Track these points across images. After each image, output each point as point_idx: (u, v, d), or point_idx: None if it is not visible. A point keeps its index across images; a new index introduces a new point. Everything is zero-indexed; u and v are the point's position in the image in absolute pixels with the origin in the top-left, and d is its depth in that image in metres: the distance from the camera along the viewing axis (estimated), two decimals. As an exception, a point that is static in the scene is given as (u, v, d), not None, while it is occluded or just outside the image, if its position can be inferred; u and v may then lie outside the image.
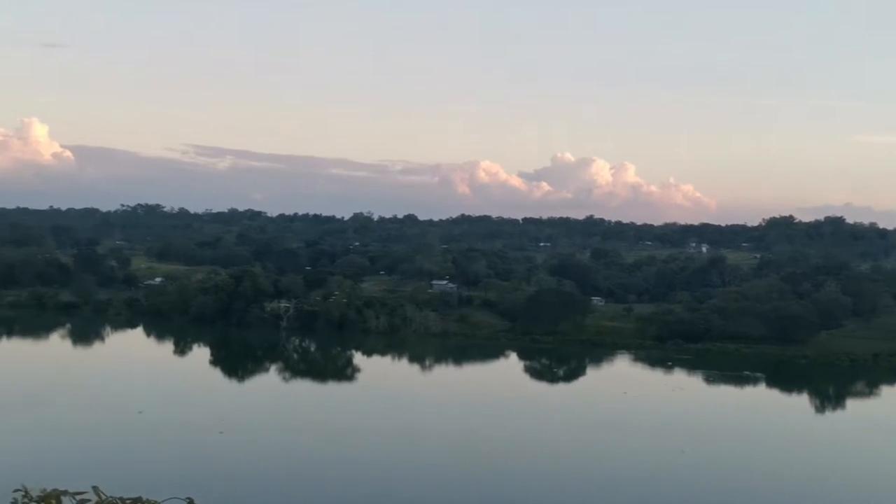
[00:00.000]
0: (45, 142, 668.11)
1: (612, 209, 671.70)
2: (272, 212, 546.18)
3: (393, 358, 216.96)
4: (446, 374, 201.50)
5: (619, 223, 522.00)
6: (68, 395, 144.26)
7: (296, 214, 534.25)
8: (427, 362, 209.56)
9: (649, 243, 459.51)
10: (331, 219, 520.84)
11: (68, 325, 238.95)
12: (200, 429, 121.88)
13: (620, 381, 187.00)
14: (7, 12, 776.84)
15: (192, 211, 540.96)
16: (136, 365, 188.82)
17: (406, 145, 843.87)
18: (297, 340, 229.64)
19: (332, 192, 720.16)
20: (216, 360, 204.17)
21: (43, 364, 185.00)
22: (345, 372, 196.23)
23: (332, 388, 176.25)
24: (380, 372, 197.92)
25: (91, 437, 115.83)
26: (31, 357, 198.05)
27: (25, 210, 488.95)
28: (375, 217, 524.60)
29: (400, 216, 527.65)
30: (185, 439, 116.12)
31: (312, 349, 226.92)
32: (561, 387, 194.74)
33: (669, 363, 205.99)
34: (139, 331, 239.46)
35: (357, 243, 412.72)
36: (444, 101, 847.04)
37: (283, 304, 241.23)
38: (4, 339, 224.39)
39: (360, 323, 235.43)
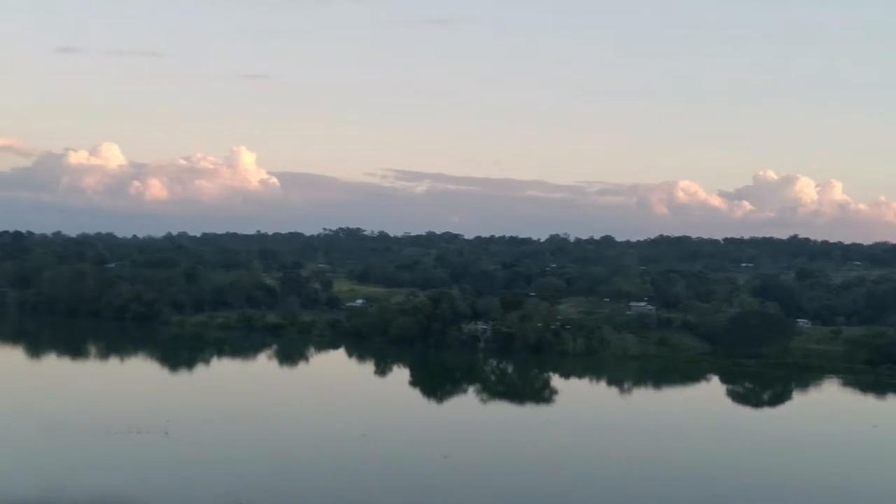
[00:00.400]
0: (252, 169, 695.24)
1: (817, 228, 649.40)
2: (469, 234, 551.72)
3: (591, 380, 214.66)
4: (646, 398, 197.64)
5: (825, 242, 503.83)
6: (283, 415, 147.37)
7: (492, 237, 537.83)
8: (626, 385, 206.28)
9: (858, 263, 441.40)
10: (527, 241, 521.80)
11: (275, 346, 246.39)
12: (424, 453, 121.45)
13: (846, 408, 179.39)
14: (216, 48, 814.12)
15: (391, 234, 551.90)
16: (343, 386, 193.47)
17: (602, 166, 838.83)
18: (494, 362, 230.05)
19: (528, 214, 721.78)
20: (416, 381, 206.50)
21: (256, 384, 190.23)
22: (542, 394, 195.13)
23: (531, 411, 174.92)
24: (577, 394, 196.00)
25: (320, 460, 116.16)
26: (243, 377, 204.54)
27: (234, 235, 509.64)
28: (572, 238, 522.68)
29: (597, 237, 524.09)
30: (412, 465, 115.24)
31: (510, 371, 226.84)
32: (778, 413, 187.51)
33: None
34: (341, 351, 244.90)
35: (553, 265, 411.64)
36: (641, 122, 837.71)
37: (481, 325, 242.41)
38: (215, 359, 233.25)
39: (556, 345, 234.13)
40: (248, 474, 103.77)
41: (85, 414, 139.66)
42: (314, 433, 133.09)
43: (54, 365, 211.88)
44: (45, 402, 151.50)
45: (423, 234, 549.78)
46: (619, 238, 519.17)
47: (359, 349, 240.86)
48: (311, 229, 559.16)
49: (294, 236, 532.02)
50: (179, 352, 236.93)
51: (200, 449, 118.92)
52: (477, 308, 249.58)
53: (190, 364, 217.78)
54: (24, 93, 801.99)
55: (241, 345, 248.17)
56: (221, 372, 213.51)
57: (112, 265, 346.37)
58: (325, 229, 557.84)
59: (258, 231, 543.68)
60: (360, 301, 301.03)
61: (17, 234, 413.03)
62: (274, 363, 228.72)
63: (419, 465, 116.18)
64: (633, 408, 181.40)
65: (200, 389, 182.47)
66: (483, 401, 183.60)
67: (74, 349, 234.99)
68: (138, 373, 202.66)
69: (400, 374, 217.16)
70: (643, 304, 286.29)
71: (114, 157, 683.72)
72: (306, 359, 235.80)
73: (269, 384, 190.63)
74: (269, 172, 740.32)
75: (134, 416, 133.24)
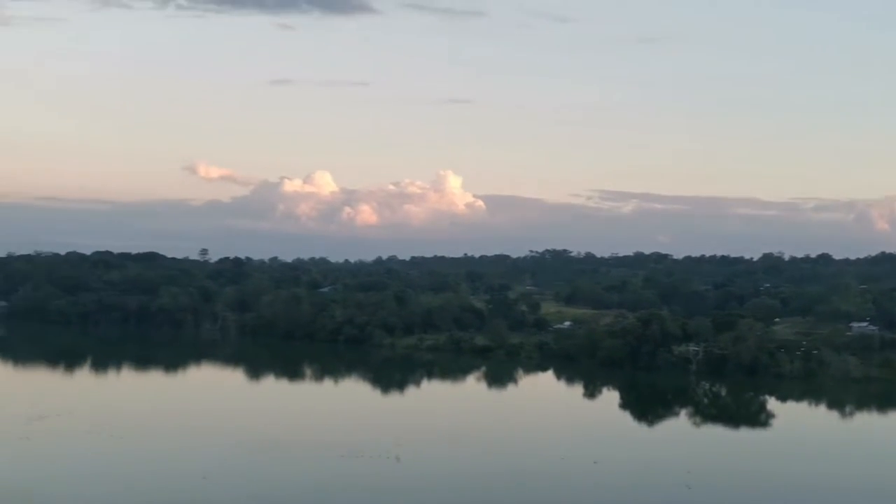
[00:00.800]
0: (458, 193, 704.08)
1: None
2: (678, 254, 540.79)
3: (810, 404, 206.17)
4: (870, 423, 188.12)
5: None
6: (503, 439, 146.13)
7: (702, 256, 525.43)
8: (847, 409, 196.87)
9: None
10: (739, 260, 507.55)
11: (483, 368, 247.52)
12: (663, 480, 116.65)
13: None
14: (421, 75, 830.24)
15: (598, 255, 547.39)
16: (557, 409, 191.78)
17: (817, 182, 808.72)
18: (706, 384, 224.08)
19: (739, 232, 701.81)
20: (626, 404, 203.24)
21: (470, 407, 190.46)
22: (758, 418, 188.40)
23: (747, 435, 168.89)
24: (796, 419, 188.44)
25: (558, 487, 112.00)
26: (456, 400, 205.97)
27: (442, 258, 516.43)
28: (786, 257, 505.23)
29: (813, 255, 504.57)
30: (656, 495, 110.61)
31: (723, 394, 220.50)
32: None
33: None
34: (549, 374, 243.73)
35: (767, 284, 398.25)
36: (856, 136, 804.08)
37: (692, 347, 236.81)
38: (426, 381, 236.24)
39: (772, 367, 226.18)
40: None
41: (311, 436, 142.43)
42: (540, 458, 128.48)
43: (273, 387, 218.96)
44: (266, 423, 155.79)
45: (631, 254, 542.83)
46: (837, 256, 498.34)
47: (567, 371, 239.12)
48: (517, 251, 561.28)
49: (500, 259, 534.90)
50: (391, 374, 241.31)
51: (435, 474, 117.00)
52: (688, 329, 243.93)
53: (401, 386, 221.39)
54: (241, 125, 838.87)
55: (450, 367, 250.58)
56: (433, 394, 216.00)
57: (325, 289, 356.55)
58: (531, 251, 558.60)
59: (465, 254, 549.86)
60: (567, 323, 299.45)
61: (237, 261, 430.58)
62: (483, 385, 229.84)
63: (663, 494, 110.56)
64: (857, 433, 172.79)
65: (417, 412, 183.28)
66: (696, 424, 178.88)
67: (291, 371, 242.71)
68: (353, 395, 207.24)
69: (609, 397, 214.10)
70: (864, 324, 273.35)
71: (326, 184, 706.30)
72: (515, 381, 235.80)
73: (482, 407, 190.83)
74: (474, 196, 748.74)
75: (360, 439, 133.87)
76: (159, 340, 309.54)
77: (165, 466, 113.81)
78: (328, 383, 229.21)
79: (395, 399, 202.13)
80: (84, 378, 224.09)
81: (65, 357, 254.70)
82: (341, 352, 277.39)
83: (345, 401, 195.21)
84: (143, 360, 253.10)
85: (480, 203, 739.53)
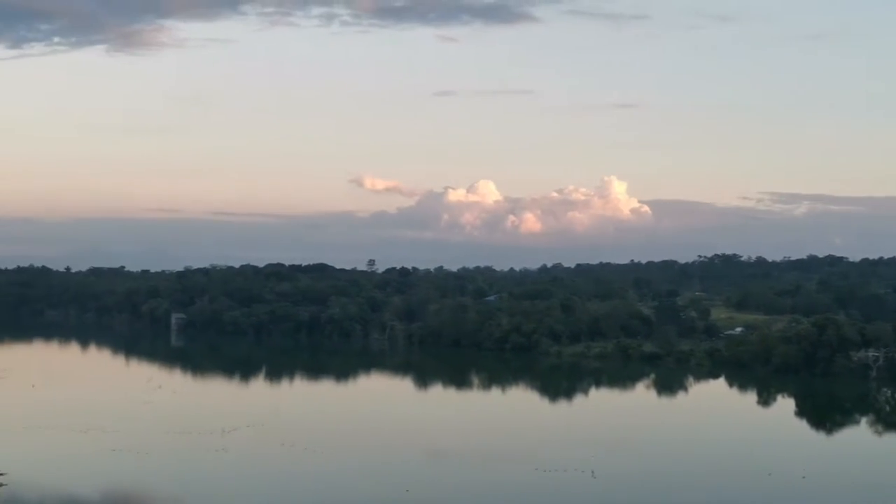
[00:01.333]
0: (623, 198, 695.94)
1: None
2: (854, 256, 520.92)
3: None
4: None
5: None
6: (692, 450, 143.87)
7: (880, 258, 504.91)
8: None
9: None
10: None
11: (652, 376, 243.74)
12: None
13: None
14: (580, 83, 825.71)
15: (769, 259, 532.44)
16: (735, 417, 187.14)
17: None
18: (888, 391, 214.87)
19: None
20: (802, 412, 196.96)
21: (645, 415, 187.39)
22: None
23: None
24: None
25: None
26: (630, 408, 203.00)
27: (608, 265, 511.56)
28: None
29: None
30: None
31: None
32: None
33: None
34: (721, 381, 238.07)
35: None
36: None
37: (872, 353, 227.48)
38: (593, 388, 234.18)
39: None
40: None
41: (500, 448, 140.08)
42: (745, 473, 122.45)
43: (445, 396, 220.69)
44: (451, 434, 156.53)
45: (804, 257, 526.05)
46: None
47: (739, 378, 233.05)
48: (684, 257, 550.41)
49: (668, 264, 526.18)
50: (559, 382, 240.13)
51: (633, 491, 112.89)
52: (867, 334, 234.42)
53: (569, 394, 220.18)
54: (406, 137, 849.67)
55: (618, 375, 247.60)
56: (605, 402, 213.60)
57: (491, 298, 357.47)
58: (699, 256, 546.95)
59: (631, 260, 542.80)
60: (738, 329, 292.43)
61: (404, 271, 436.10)
62: (653, 393, 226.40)
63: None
64: None
65: (595, 421, 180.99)
66: (878, 433, 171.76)
67: (459, 380, 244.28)
68: (526, 404, 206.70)
69: (784, 405, 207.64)
70: None
71: (490, 193, 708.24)
72: (685, 388, 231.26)
73: (657, 415, 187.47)
74: (640, 201, 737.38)
75: (548, 451, 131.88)
76: (330, 350, 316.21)
77: (368, 481, 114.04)
78: (498, 392, 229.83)
79: (566, 407, 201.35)
80: (264, 388, 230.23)
81: (241, 367, 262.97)
82: (508, 360, 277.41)
83: (519, 410, 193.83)
84: (316, 370, 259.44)
85: (646, 208, 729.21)
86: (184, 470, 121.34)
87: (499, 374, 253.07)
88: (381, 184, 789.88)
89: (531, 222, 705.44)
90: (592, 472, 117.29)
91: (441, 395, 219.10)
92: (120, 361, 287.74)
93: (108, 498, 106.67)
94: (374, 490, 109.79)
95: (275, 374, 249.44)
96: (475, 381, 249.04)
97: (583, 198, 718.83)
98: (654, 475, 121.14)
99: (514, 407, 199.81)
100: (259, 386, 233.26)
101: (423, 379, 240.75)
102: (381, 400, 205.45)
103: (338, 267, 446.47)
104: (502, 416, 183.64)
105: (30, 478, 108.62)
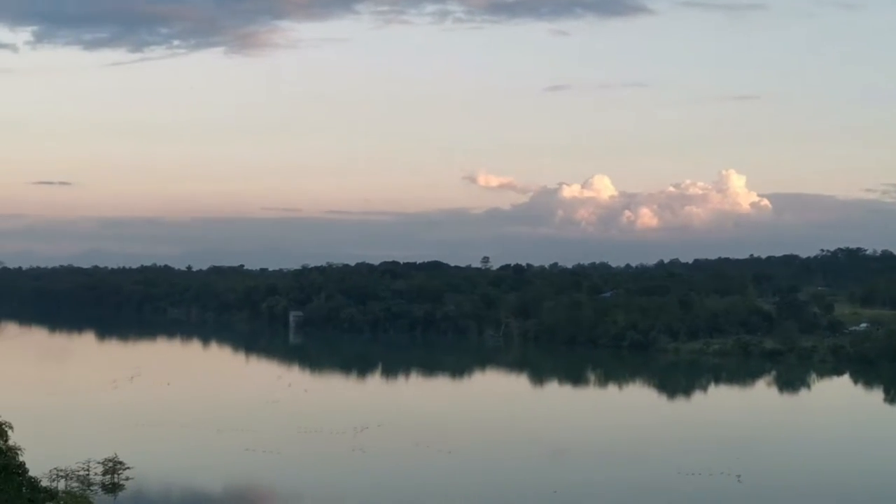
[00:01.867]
0: (742, 192, 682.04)
1: None
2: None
3: None
4: None
5: None
6: (835, 451, 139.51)
7: None
8: None
9: None
10: None
11: (773, 373, 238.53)
12: None
13: None
14: (701, 73, 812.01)
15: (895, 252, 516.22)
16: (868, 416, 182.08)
17: None
18: None
19: None
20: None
21: (772, 414, 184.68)
22: None
23: None
24: None
25: None
26: (753, 407, 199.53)
27: (726, 260, 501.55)
28: None
29: None
30: None
31: None
32: None
33: None
34: (845, 378, 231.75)
35: None
36: None
37: None
38: (713, 386, 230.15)
39: None
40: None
41: (639, 448, 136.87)
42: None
43: (566, 394, 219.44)
44: (580, 433, 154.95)
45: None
46: None
47: (865, 375, 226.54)
48: (806, 251, 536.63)
49: (789, 259, 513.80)
50: (676, 379, 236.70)
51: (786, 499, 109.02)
52: None
53: (688, 392, 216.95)
54: (519, 133, 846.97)
55: (738, 372, 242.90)
56: (726, 401, 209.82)
57: (607, 294, 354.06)
58: (822, 250, 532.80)
59: (751, 255, 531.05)
60: (864, 324, 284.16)
61: (518, 268, 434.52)
62: (775, 391, 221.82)
63: None
64: None
65: (722, 421, 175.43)
66: None
67: (575, 377, 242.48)
68: (643, 401, 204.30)
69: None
70: None
71: (605, 188, 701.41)
72: (808, 386, 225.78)
73: (785, 413, 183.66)
74: (759, 195, 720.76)
75: (689, 454, 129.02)
76: (445, 347, 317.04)
77: (512, 481, 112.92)
78: (615, 390, 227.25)
79: (686, 405, 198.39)
80: (386, 386, 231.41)
81: (360, 364, 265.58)
82: (624, 357, 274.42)
83: (639, 408, 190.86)
84: (432, 367, 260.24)
85: (766, 202, 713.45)
86: (323, 470, 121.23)
87: (615, 372, 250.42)
88: (494, 180, 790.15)
89: (647, 217, 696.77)
90: (738, 476, 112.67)
91: (559, 393, 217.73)
92: (244, 359, 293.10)
93: (233, 494, 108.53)
94: (518, 490, 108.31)
95: (393, 371, 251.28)
96: (591, 378, 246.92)
97: (700, 192, 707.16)
98: (801, 479, 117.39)
99: (633, 405, 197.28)
100: (381, 384, 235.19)
101: (539, 376, 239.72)
102: (501, 398, 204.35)
103: (452, 264, 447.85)
104: (623, 414, 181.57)
105: (157, 473, 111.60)
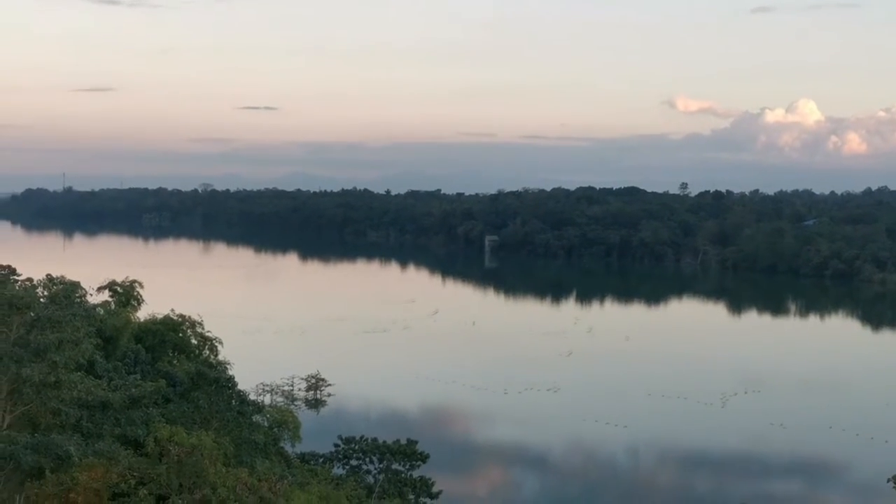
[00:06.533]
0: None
1: None
2: None
3: None
4: None
5: None
6: None
7: None
8: None
9: None
10: None
11: None
12: None
13: None
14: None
15: None
16: None
17: None
18: None
19: None
20: None
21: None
22: None
23: None
24: None
25: None
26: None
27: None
28: None
29: None
30: None
31: None
32: None
33: None
34: None
35: None
36: None
37: None
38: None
39: None
40: None
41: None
42: None
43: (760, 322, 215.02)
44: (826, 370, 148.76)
45: None
46: None
47: None
48: None
49: None
50: (882, 311, 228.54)
51: None
52: None
53: (893, 324, 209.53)
54: (720, 56, 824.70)
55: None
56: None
57: (810, 222, 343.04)
58: None
59: None
60: None
61: (717, 194, 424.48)
62: None
63: None
64: None
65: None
66: None
67: (774, 306, 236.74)
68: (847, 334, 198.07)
69: None
70: None
71: (810, 113, 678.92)
72: None
73: None
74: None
75: None
76: (641, 274, 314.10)
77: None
78: (813, 320, 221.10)
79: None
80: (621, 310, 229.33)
81: (556, 289, 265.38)
82: (827, 287, 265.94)
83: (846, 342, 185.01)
84: (633, 293, 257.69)
85: None
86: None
87: (817, 302, 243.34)
88: (694, 105, 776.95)
89: (855, 143, 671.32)
90: None
91: (774, 324, 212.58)
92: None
93: (427, 415, 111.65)
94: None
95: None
96: (791, 308, 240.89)
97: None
98: None
99: (839, 338, 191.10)
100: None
101: (736, 306, 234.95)
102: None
103: (649, 190, 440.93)
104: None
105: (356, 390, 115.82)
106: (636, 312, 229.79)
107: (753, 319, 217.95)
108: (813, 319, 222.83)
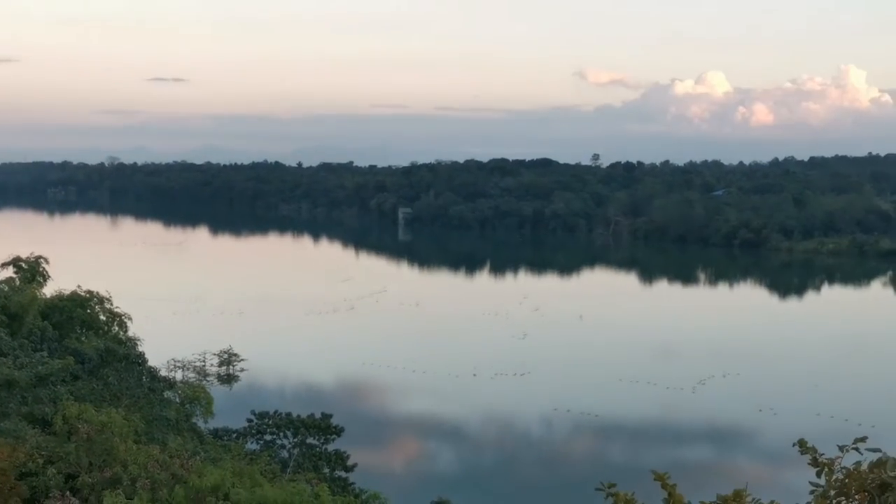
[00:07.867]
0: (862, 87, 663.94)
1: None
2: None
3: None
4: None
5: None
6: None
7: None
8: None
9: None
10: None
11: (889, 273, 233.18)
12: None
13: None
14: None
15: None
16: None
17: None
18: None
19: None
20: None
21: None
22: None
23: None
24: None
25: None
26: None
27: (844, 157, 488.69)
28: None
29: None
30: None
31: None
32: None
33: None
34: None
35: None
36: None
37: None
38: (826, 286, 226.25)
39: None
40: None
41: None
42: None
43: (670, 291, 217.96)
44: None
45: None
46: None
47: None
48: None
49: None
50: (789, 279, 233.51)
51: None
52: None
53: (800, 292, 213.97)
54: (630, 27, 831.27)
55: (854, 272, 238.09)
56: (842, 301, 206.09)
57: (719, 192, 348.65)
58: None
59: (869, 153, 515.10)
60: None
61: (629, 165, 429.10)
62: (891, 291, 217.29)
63: None
64: None
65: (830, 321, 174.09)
66: None
67: (684, 275, 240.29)
68: (755, 301, 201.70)
69: None
70: None
71: (719, 84, 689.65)
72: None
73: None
74: (881, 90, 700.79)
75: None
76: (554, 245, 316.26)
77: None
78: (722, 288, 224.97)
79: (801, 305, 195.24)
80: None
81: (471, 261, 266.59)
82: (736, 256, 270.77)
83: (753, 308, 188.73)
84: (548, 265, 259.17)
85: (887, 97, 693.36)
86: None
87: (727, 271, 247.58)
88: (605, 76, 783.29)
89: (762, 114, 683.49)
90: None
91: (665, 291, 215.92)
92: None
93: (343, 388, 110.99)
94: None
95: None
96: (701, 277, 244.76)
97: (818, 88, 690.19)
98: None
99: (746, 305, 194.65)
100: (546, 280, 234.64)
101: (648, 274, 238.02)
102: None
103: (562, 162, 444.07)
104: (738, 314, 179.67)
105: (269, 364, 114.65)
106: (550, 282, 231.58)
107: (664, 288, 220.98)
108: (722, 287, 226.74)
